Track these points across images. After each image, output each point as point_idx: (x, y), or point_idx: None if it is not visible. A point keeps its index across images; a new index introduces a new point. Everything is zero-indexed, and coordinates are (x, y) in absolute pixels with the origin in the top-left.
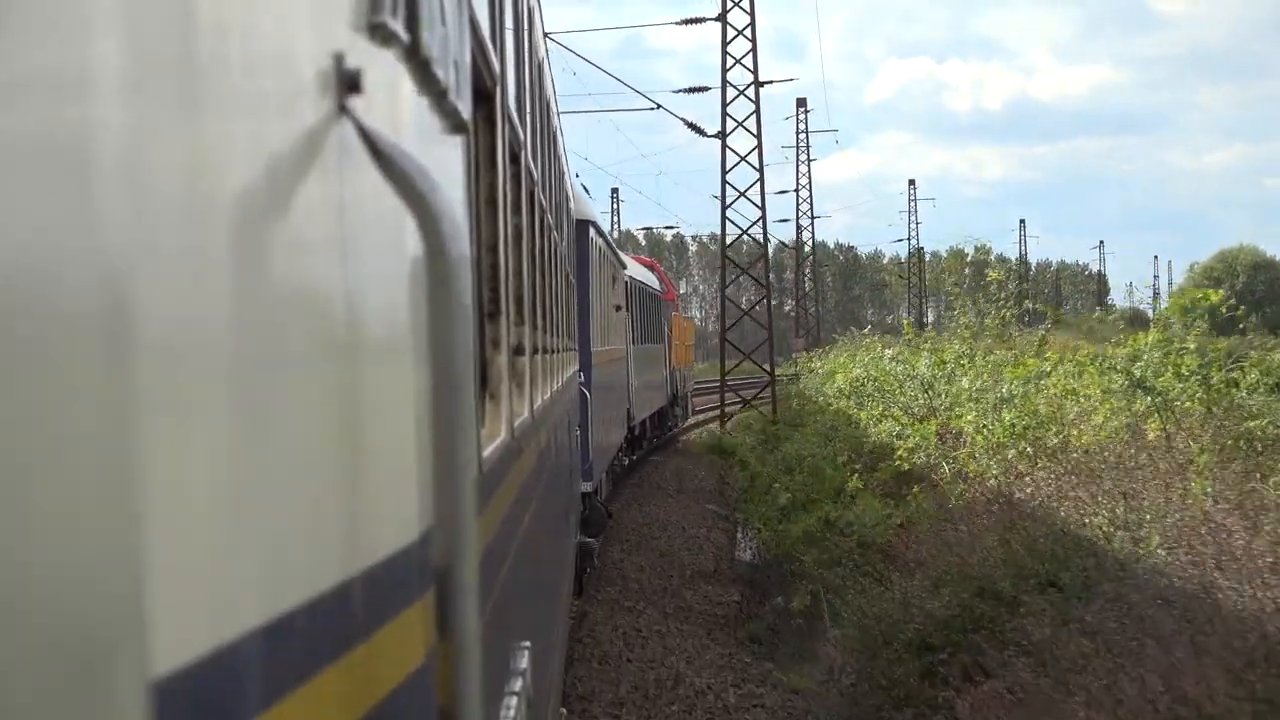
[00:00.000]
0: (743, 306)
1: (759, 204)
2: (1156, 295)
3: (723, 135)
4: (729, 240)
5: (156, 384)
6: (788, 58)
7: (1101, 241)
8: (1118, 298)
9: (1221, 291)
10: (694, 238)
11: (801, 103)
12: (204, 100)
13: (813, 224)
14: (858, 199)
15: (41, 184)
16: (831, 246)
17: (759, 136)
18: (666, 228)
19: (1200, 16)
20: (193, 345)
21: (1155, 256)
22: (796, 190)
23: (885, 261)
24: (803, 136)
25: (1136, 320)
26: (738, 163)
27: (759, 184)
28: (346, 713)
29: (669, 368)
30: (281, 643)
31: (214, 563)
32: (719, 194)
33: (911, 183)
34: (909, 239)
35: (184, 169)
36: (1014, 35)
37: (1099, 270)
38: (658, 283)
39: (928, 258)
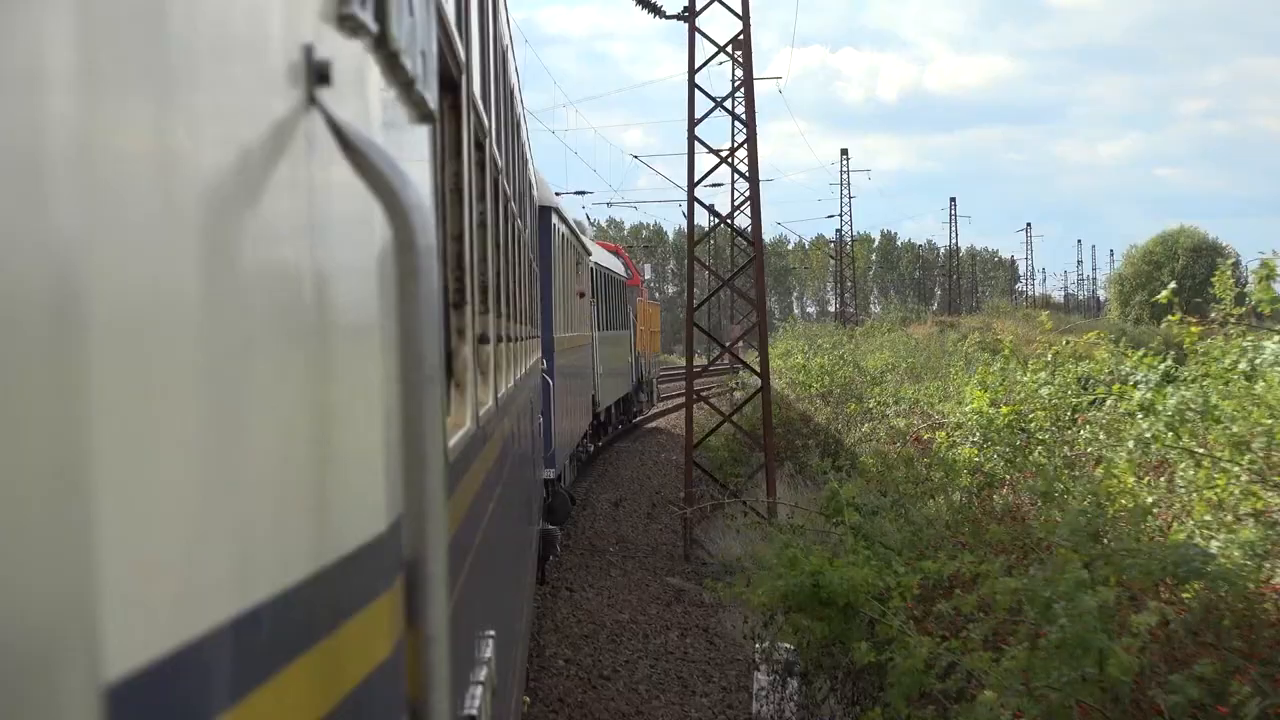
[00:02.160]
0: (684, 292)
1: (742, 119)
2: (1081, 280)
3: (691, 14)
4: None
5: (115, 375)
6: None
7: (1029, 224)
8: (1027, 284)
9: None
10: (592, 220)
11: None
12: (172, 92)
13: (755, 188)
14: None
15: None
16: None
17: (745, 17)
18: (577, 193)
19: (1094, 10)
20: (155, 336)
21: (1079, 241)
22: (731, 148)
23: (790, 247)
24: (739, 83)
25: (1047, 305)
26: (714, 55)
27: (744, 88)
28: (314, 706)
29: (634, 354)
30: (247, 640)
31: (175, 558)
32: (686, 106)
33: (844, 152)
34: (840, 214)
35: (152, 162)
36: (908, 26)
37: (1011, 257)
38: (622, 268)
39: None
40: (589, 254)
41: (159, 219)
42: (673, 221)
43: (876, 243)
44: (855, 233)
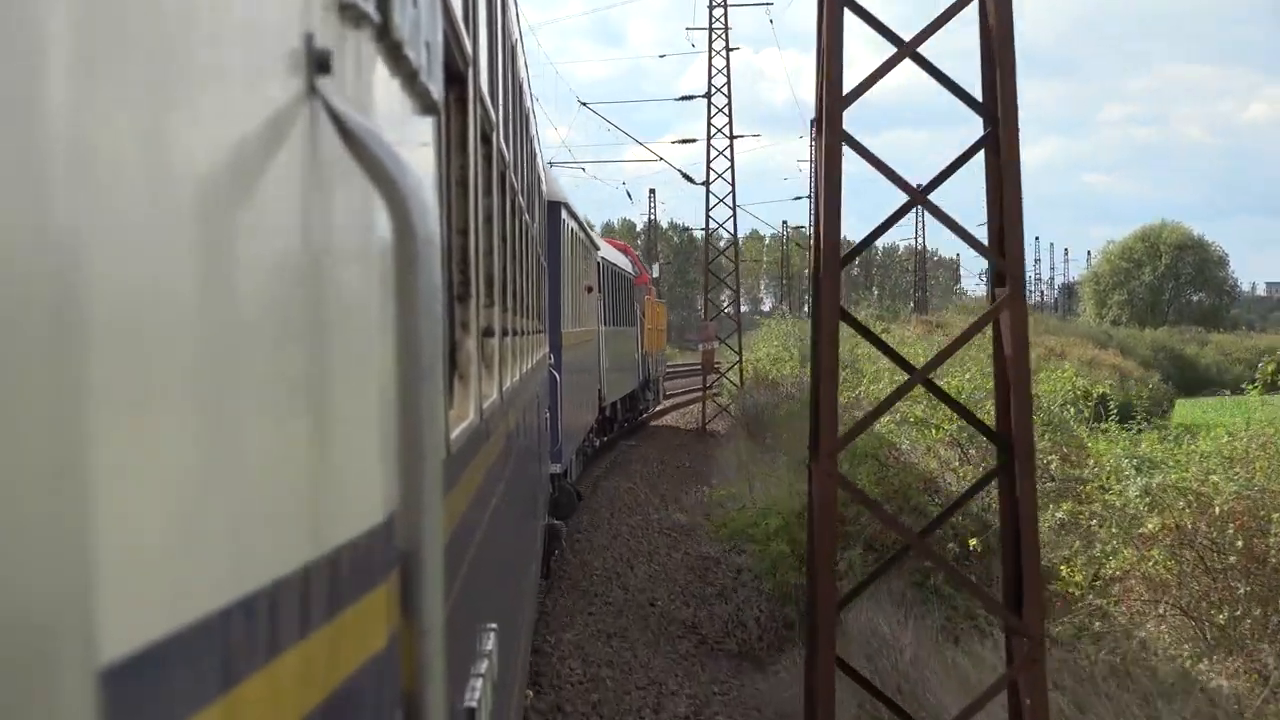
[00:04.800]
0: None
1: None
2: (1037, 281)
3: None
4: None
5: (113, 365)
6: (604, 41)
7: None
8: (967, 284)
9: None
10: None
11: None
12: (170, 80)
13: (731, 146)
14: (680, 182)
15: None
16: (665, 226)
17: None
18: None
19: (1020, 14)
20: (152, 326)
21: (1036, 238)
22: (709, 94)
23: (721, 244)
24: (719, 17)
25: (969, 309)
26: None
27: None
28: (306, 696)
29: (641, 351)
30: (241, 627)
31: (171, 545)
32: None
33: (814, 123)
34: (811, 196)
35: (149, 152)
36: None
37: (956, 255)
38: (630, 265)
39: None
40: (597, 249)
41: (156, 210)
42: (605, 213)
43: (767, 241)
44: (751, 230)
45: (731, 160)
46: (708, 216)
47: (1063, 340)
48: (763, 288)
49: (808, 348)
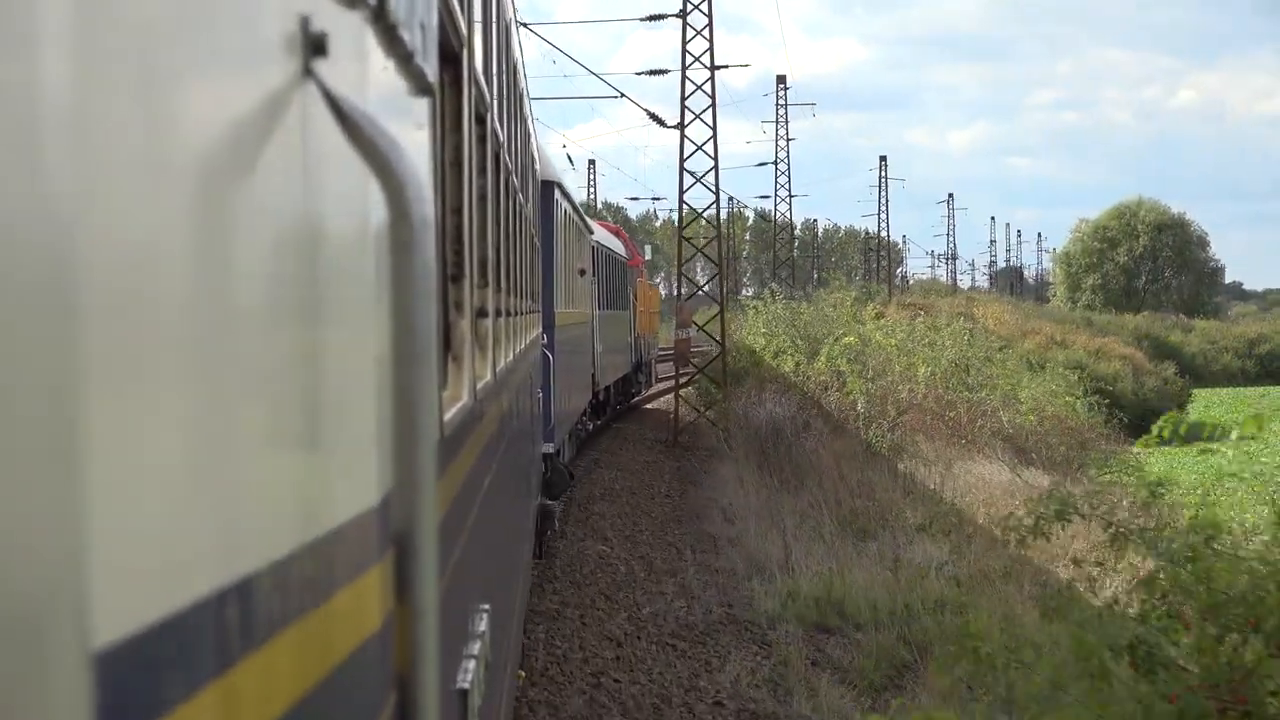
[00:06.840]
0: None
1: None
2: (991, 262)
3: None
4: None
5: (106, 347)
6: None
7: (951, 194)
8: (915, 265)
9: None
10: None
11: None
12: (166, 61)
13: (713, 78)
14: (615, 163)
15: None
16: (599, 207)
17: None
18: None
19: None
20: (146, 308)
21: (992, 218)
22: (684, 12)
23: (658, 225)
24: None
25: (934, 290)
26: None
27: None
28: (300, 678)
29: (634, 334)
30: (235, 609)
31: (165, 530)
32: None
33: (781, 80)
34: (776, 162)
35: (144, 133)
36: (762, 11)
37: (904, 238)
38: (623, 249)
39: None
40: (591, 232)
41: (150, 191)
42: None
43: (751, 221)
44: (734, 206)
45: (713, 97)
46: (682, 169)
47: (1062, 328)
48: (699, 269)
49: (815, 336)
